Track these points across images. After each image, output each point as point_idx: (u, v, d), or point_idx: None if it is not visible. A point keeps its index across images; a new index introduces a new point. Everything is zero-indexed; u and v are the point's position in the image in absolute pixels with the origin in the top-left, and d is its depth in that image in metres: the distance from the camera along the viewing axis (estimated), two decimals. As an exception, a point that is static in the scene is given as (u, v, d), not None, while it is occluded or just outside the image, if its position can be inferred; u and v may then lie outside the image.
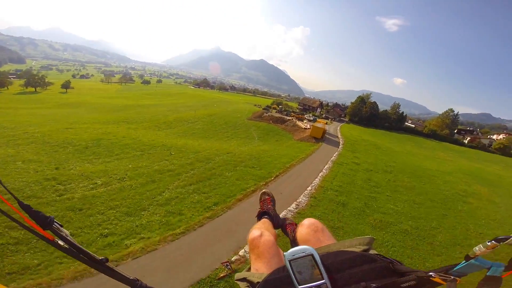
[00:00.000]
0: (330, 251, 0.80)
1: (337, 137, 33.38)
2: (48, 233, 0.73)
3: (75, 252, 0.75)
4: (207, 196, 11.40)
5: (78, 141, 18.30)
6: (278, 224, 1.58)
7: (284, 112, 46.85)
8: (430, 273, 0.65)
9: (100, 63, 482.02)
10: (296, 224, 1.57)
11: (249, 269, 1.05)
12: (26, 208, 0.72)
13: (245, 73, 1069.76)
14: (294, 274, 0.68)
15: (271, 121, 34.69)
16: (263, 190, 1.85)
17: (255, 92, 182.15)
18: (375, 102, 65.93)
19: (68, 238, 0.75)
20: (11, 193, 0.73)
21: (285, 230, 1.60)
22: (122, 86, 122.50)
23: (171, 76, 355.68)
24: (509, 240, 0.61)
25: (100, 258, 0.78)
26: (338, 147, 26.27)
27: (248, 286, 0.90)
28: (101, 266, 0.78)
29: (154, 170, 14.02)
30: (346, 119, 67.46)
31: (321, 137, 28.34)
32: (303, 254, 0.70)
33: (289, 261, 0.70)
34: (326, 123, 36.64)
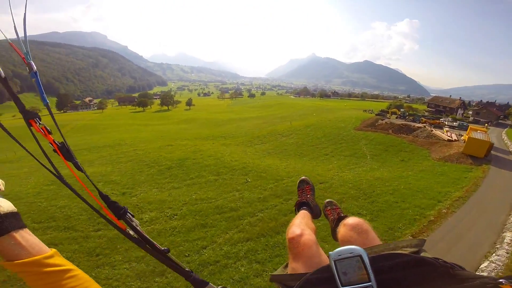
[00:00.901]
0: (379, 253, 0.74)
1: (511, 152, 20.14)
2: (121, 223, 0.79)
3: (142, 242, 0.81)
4: (260, 269, 6.60)
5: (167, 160, 17.72)
6: (318, 215, 1.58)
7: (409, 117, 34.95)
8: (501, 280, 0.57)
9: (218, 81, 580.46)
10: (340, 209, 1.61)
11: (285, 266, 1.04)
12: (105, 198, 0.79)
13: (348, 77, 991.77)
14: (338, 275, 0.66)
15: (390, 131, 25.44)
16: (302, 177, 1.80)
17: (363, 96, 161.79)
18: None
19: (138, 228, 0.80)
20: (93, 183, 0.78)
21: (326, 216, 1.62)
22: (232, 101, 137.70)
23: (274, 88, 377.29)
24: None
25: (163, 248, 0.84)
26: None
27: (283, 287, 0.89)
28: (163, 256, 0.83)
29: (215, 206, 10.48)
30: (510, 122, 45.07)
31: (484, 155, 17.25)
32: (351, 254, 0.67)
33: (335, 261, 0.67)
34: (487, 131, 23.37)
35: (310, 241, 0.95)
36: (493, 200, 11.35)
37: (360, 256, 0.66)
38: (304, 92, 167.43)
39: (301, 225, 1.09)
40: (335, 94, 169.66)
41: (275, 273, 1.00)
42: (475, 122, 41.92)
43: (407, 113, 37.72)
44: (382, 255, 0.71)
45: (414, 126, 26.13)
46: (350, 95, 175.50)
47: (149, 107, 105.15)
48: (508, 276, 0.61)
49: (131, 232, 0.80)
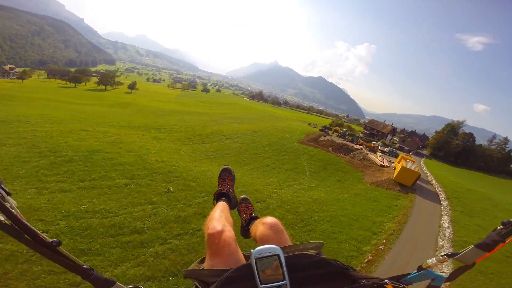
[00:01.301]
0: (293, 253, 0.81)
1: (430, 182, 22.74)
2: None
3: (18, 231, 0.60)
4: None
5: (70, 149, 13.67)
6: (234, 206, 1.58)
7: (348, 137, 37.39)
8: (385, 281, 0.71)
9: (173, 70, 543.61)
10: (252, 208, 1.70)
11: (201, 262, 1.06)
12: None
13: (301, 89, 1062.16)
14: (258, 273, 0.69)
15: (330, 149, 26.19)
16: (225, 166, 1.80)
17: (309, 110, 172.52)
18: (471, 134, 50.36)
19: (12, 210, 0.59)
20: None
21: (239, 211, 1.69)
22: (183, 92, 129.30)
23: (231, 87, 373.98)
24: (457, 256, 0.72)
25: (51, 240, 0.65)
26: (440, 203, 16.40)
27: (198, 283, 0.88)
28: (50, 250, 0.64)
29: (110, 224, 7.89)
30: (426, 153, 53.23)
31: (412, 184, 18.70)
32: (270, 253, 0.71)
33: (256, 259, 0.70)
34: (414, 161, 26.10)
35: (230, 238, 0.95)
36: (422, 233, 11.75)
37: (278, 255, 0.71)
38: (258, 97, 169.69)
39: (221, 219, 1.09)
40: (286, 103, 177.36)
41: (190, 268, 0.98)
42: (400, 149, 47.91)
43: (348, 133, 40.57)
44: (295, 255, 0.77)
45: (352, 147, 27.71)
46: (298, 107, 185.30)
47: (83, 84, 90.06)
48: (391, 277, 0.77)
49: (1, 218, 0.57)
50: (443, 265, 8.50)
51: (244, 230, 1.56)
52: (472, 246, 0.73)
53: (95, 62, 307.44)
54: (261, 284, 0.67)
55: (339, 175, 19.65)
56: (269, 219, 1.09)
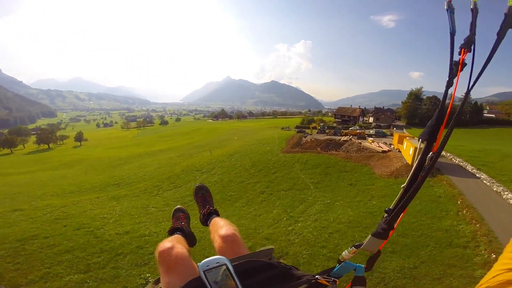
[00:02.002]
0: (241, 260, 0.84)
1: (443, 155, 20.71)
2: None
3: None
4: None
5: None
6: (193, 243, 1.45)
7: (330, 130, 35.30)
8: (317, 276, 0.79)
9: (124, 109, 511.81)
10: (211, 198, 1.71)
11: (156, 282, 1.03)
12: None
13: (259, 97, 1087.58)
14: (210, 284, 0.69)
15: (319, 148, 23.64)
16: (177, 207, 1.75)
17: (274, 114, 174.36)
18: (435, 97, 52.66)
19: None
20: None
21: (196, 201, 1.70)
22: (139, 131, 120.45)
23: (191, 113, 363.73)
24: (361, 246, 0.79)
25: None
26: (477, 176, 13.95)
27: None
28: None
29: None
30: (402, 123, 54.27)
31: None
32: (217, 264, 0.73)
33: (204, 271, 0.71)
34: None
35: (182, 254, 0.94)
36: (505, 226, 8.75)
37: (226, 264, 0.73)
38: (222, 115, 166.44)
39: (172, 240, 1.05)
40: (251, 114, 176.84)
41: None
42: (378, 127, 47.97)
43: (326, 127, 38.89)
44: (242, 263, 0.80)
45: (340, 140, 25.61)
46: (263, 114, 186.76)
47: (22, 146, 77.75)
48: (321, 272, 0.84)
49: None
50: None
51: (203, 222, 1.55)
52: (370, 236, 0.78)
53: (32, 117, 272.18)
54: None
55: (346, 176, 16.85)
56: (224, 231, 1.09)
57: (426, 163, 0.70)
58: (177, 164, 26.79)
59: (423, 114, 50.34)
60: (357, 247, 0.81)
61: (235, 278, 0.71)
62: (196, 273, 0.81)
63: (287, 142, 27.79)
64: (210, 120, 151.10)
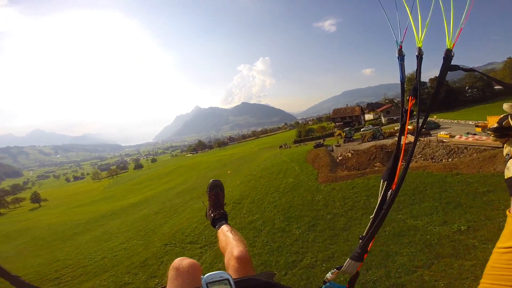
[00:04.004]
0: (243, 278, 0.92)
1: None
2: None
3: None
4: None
5: None
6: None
7: (366, 134, 26.54)
8: None
9: (95, 158, 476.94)
10: (223, 197, 1.76)
11: None
12: None
13: (233, 121, 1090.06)
14: None
15: (378, 163, 15.08)
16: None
17: (255, 135, 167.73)
18: (436, 77, 48.31)
19: None
20: None
21: (208, 199, 1.75)
22: (112, 180, 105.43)
23: (167, 151, 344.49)
24: (342, 268, 0.88)
25: None
26: None
27: None
28: None
29: None
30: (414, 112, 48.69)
31: None
32: (221, 278, 0.78)
33: (207, 283, 0.77)
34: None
35: (193, 264, 1.00)
36: None
37: (228, 280, 0.77)
38: (200, 146, 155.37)
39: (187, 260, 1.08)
40: (231, 139, 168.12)
41: None
42: (391, 121, 42.06)
43: (353, 131, 30.76)
44: (244, 280, 0.86)
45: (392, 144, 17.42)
46: (244, 137, 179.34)
47: None
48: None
49: None
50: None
51: (209, 219, 1.67)
52: (348, 259, 0.88)
53: None
54: None
55: (459, 204, 8.29)
56: (239, 252, 1.18)
57: (388, 198, 0.82)
58: (155, 231, 16.61)
59: (428, 96, 45.45)
60: (338, 269, 0.90)
61: None
62: (201, 284, 0.86)
63: (312, 164, 19.05)
64: (189, 155, 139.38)
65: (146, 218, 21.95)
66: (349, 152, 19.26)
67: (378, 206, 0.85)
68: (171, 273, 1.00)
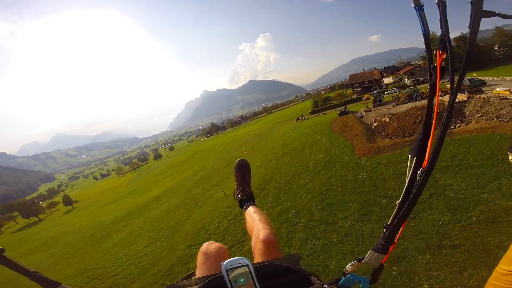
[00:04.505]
0: (263, 263, 0.86)
1: None
2: None
3: None
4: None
5: None
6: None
7: (401, 94, 23.26)
8: (324, 286, 0.79)
9: (118, 153, 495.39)
10: (250, 178, 1.74)
11: (186, 277, 1.13)
12: None
13: (243, 100, 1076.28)
14: (230, 283, 0.73)
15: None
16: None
17: (267, 111, 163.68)
18: (464, 36, 42.69)
19: None
20: None
21: (235, 178, 1.72)
22: (135, 174, 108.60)
23: (183, 137, 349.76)
24: (363, 260, 0.82)
25: None
26: None
27: None
28: None
29: None
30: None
31: None
32: (240, 264, 0.75)
33: (226, 270, 0.74)
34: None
35: (221, 249, 1.10)
36: None
37: (248, 265, 0.74)
38: (214, 129, 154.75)
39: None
40: (243, 118, 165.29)
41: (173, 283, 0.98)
42: (417, 82, 37.65)
43: (383, 94, 27.13)
44: (263, 265, 0.82)
45: (444, 102, 14.32)
46: (255, 114, 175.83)
47: (14, 222, 68.21)
48: (329, 282, 0.86)
49: None
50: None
51: (236, 199, 1.65)
52: (370, 250, 0.81)
53: (32, 186, 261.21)
54: None
55: None
56: (265, 235, 1.14)
57: (417, 179, 0.68)
58: (177, 229, 15.33)
59: (463, 57, 40.12)
60: (359, 260, 0.84)
61: (255, 279, 0.73)
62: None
63: (342, 134, 16.36)
64: (204, 138, 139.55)
65: (168, 213, 20.90)
66: (385, 116, 16.27)
67: (406, 189, 0.73)
68: (199, 258, 1.05)
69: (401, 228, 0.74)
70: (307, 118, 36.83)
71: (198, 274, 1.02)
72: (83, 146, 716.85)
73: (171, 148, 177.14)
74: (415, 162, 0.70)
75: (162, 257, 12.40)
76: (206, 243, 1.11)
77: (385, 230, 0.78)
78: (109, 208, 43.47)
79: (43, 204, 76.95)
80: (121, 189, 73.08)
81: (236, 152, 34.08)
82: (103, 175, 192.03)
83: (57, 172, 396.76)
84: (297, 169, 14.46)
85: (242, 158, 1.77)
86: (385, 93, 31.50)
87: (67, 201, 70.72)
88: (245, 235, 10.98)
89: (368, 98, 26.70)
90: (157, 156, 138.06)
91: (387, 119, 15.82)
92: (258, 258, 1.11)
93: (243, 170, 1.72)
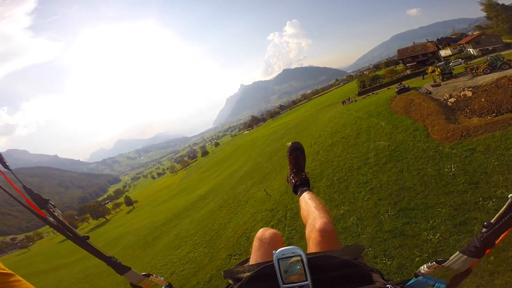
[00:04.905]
0: (318, 254, 0.82)
1: None
2: (43, 212, 0.87)
3: (61, 228, 0.88)
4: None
5: None
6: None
7: (481, 67, 18.40)
8: (388, 285, 0.72)
9: (171, 153, 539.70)
10: (304, 161, 1.64)
11: (241, 263, 1.15)
12: (29, 191, 0.85)
13: (280, 90, 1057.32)
14: (280, 272, 0.70)
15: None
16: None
17: (307, 98, 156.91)
18: None
19: (59, 217, 0.88)
20: (16, 177, 0.85)
21: (289, 163, 1.65)
22: (186, 171, 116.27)
23: (227, 132, 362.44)
24: (445, 263, 0.73)
25: (83, 235, 0.91)
26: None
27: (233, 281, 0.93)
28: (83, 242, 0.90)
29: None
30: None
31: None
32: (293, 254, 0.72)
33: (278, 259, 0.72)
34: None
35: (275, 235, 1.08)
36: None
37: (300, 256, 0.71)
38: (254, 121, 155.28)
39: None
40: (282, 107, 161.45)
41: (229, 272, 0.96)
42: (486, 52, 30.68)
43: (452, 66, 22.49)
44: (318, 257, 0.77)
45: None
46: (294, 102, 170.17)
47: (87, 223, 79.43)
48: (395, 282, 0.78)
49: (52, 220, 0.87)
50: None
51: (294, 189, 1.57)
52: (457, 252, 0.71)
53: (102, 188, 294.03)
54: (283, 284, 0.68)
55: None
56: (322, 224, 1.06)
57: None
58: (219, 234, 14.44)
59: None
60: (439, 263, 0.74)
61: (307, 270, 0.69)
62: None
63: (408, 115, 13.09)
64: (246, 132, 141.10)
65: (211, 214, 20.44)
66: (464, 90, 12.38)
67: None
68: (255, 243, 1.05)
69: (507, 230, 0.61)
70: (355, 101, 32.73)
71: (252, 260, 1.02)
72: (141, 149, 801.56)
73: (217, 144, 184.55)
74: None
75: (203, 266, 11.61)
76: (262, 229, 1.09)
77: (484, 230, 0.65)
78: (162, 208, 46.58)
79: (109, 206, 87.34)
80: (174, 187, 78.60)
81: (277, 143, 32.28)
82: (159, 174, 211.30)
83: (122, 174, 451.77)
84: (353, 161, 11.96)
85: (296, 141, 1.67)
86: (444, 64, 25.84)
87: (128, 202, 79.08)
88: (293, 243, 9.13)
89: (433, 71, 21.71)
90: (205, 153, 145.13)
91: (470, 93, 11.93)
92: (312, 248, 1.02)
93: (296, 153, 1.62)
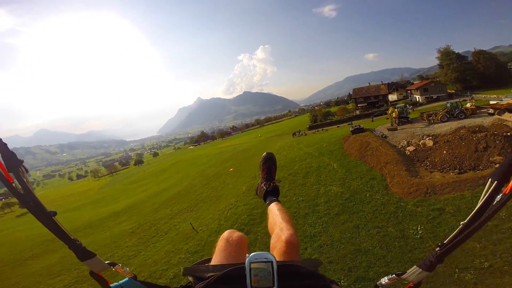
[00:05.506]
0: (287, 263, 0.85)
1: None
2: (10, 176, 0.70)
3: (26, 198, 0.74)
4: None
5: None
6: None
7: (439, 114, 19.05)
8: None
9: (101, 154, 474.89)
10: (275, 171, 1.64)
11: (202, 262, 1.13)
12: (3, 146, 0.71)
13: (236, 111, 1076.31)
14: (250, 276, 0.71)
15: (499, 157, 8.06)
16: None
17: (259, 123, 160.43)
18: (486, 52, 41.48)
19: (27, 184, 0.74)
20: None
21: (261, 171, 1.66)
22: (111, 178, 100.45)
23: (170, 144, 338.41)
24: (403, 275, 0.81)
25: (49, 211, 0.79)
26: None
27: (194, 279, 0.92)
28: (47, 219, 0.77)
29: None
30: (452, 91, 41.71)
31: None
32: (265, 259, 0.73)
33: (251, 263, 0.73)
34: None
35: (241, 238, 1.07)
36: None
37: (272, 262, 0.73)
38: (202, 138, 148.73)
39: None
40: (234, 129, 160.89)
41: (189, 269, 0.96)
42: (431, 100, 35.34)
43: (410, 107, 23.59)
44: (287, 265, 0.80)
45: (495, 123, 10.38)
46: (247, 126, 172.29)
47: None
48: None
49: (19, 187, 0.72)
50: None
51: (262, 196, 1.56)
52: (415, 266, 0.79)
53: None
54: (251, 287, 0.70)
55: None
56: (288, 236, 1.11)
57: (495, 203, 0.64)
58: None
59: (482, 73, 38.69)
60: (398, 275, 0.83)
61: (275, 277, 0.71)
62: (243, 260, 0.82)
63: (362, 159, 11.98)
64: (191, 147, 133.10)
65: (118, 239, 15.54)
66: (425, 139, 12.10)
67: (477, 210, 0.68)
68: (220, 243, 1.03)
69: (454, 250, 0.71)
70: (305, 134, 32.77)
71: (216, 260, 1.00)
72: (66, 144, 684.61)
73: (155, 155, 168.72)
74: (494, 186, 0.64)
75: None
76: (228, 231, 1.08)
77: (438, 249, 0.74)
78: (63, 218, 36.63)
79: (-1, 204, 67.40)
80: (90, 194, 65.59)
81: (219, 167, 29.18)
82: (79, 176, 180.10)
83: (33, 169, 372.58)
84: (300, 206, 9.84)
85: (269, 152, 1.69)
86: (396, 107, 28.21)
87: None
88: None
89: (392, 112, 22.18)
90: (139, 162, 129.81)
91: (430, 143, 11.62)
92: (277, 258, 0.99)
93: (269, 164, 1.64)
